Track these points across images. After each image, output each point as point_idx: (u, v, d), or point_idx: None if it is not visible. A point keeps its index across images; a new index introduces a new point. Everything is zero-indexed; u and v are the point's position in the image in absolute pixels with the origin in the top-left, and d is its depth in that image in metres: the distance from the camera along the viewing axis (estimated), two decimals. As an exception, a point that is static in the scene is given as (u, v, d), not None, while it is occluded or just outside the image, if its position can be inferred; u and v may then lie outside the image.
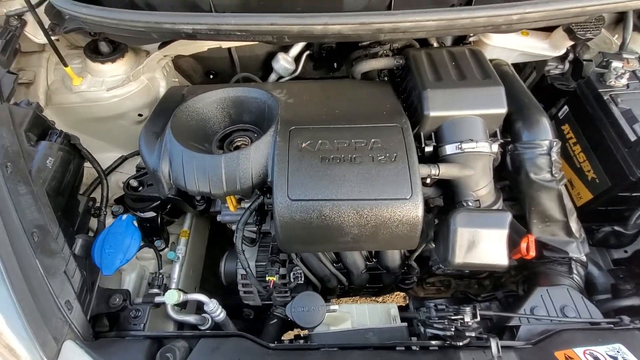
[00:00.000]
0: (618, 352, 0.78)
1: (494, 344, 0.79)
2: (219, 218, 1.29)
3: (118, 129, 1.40)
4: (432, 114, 0.98)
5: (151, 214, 1.33)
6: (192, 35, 0.94)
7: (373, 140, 0.92)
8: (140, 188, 1.28)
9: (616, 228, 1.12)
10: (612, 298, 1.04)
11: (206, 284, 1.62)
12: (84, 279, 0.88)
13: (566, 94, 1.33)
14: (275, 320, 1.25)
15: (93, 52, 1.27)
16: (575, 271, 1.02)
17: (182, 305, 1.31)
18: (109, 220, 1.15)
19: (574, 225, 1.03)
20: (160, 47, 1.30)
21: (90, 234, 1.18)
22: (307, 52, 1.44)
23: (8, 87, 0.95)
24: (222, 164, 0.90)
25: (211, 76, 1.59)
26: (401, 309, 1.13)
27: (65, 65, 1.19)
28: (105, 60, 1.26)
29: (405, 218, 0.85)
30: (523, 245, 0.96)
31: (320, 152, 0.90)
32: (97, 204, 1.21)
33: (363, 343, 0.84)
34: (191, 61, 1.51)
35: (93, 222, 1.22)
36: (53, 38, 1.12)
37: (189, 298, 1.02)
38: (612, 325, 0.86)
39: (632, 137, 1.00)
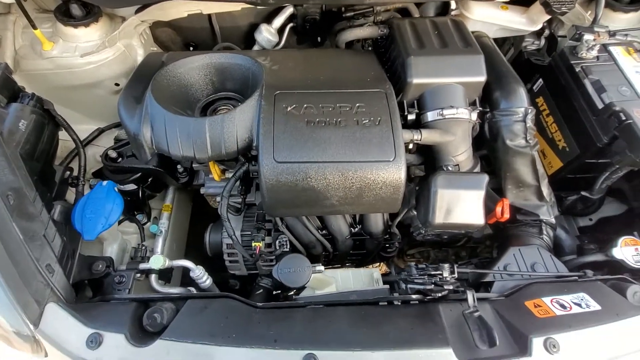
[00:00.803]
0: (582, 299, 0.84)
1: (470, 295, 0.83)
2: (202, 190, 1.28)
3: (93, 99, 1.35)
4: (415, 80, 1.00)
5: (132, 186, 1.30)
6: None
7: (357, 104, 0.93)
8: (120, 159, 1.25)
9: (583, 193, 1.19)
10: (577, 256, 1.12)
11: (190, 259, 1.61)
12: (65, 244, 0.86)
13: (542, 69, 1.38)
14: (261, 290, 1.27)
15: (64, 15, 1.20)
16: (544, 232, 1.09)
17: (166, 278, 1.31)
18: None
19: (545, 189, 1.10)
20: (136, 12, 1.25)
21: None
22: (291, 25, 1.42)
23: (-28, 47, 0.89)
24: (206, 127, 0.89)
25: (191, 48, 1.55)
26: (384, 275, 1.17)
27: (35, 27, 1.12)
28: (78, 24, 1.20)
29: (388, 180, 0.87)
30: (498, 209, 1.02)
31: (305, 116, 0.91)
32: (74, 175, 1.17)
33: (347, 300, 0.87)
34: (170, 31, 1.46)
35: (70, 196, 1.19)
36: (20, -3, 1.05)
37: (175, 264, 1.02)
38: (577, 278, 0.93)
39: (600, 105, 1.06)
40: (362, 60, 1.14)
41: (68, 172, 1.13)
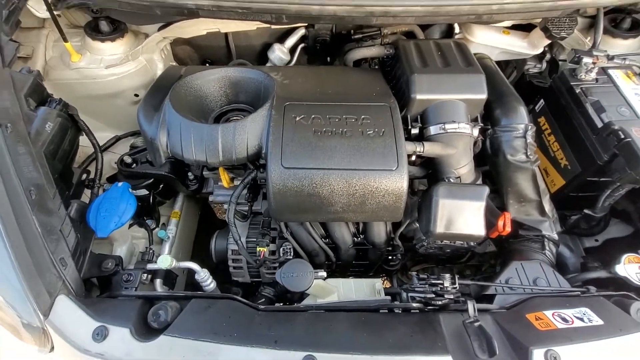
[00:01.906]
0: (584, 314, 0.84)
1: (470, 305, 0.84)
2: (211, 198, 1.33)
3: (114, 108, 1.43)
4: (419, 96, 1.05)
5: (143, 191, 1.35)
6: (194, 12, 0.99)
7: (363, 116, 0.98)
8: (134, 165, 1.31)
9: (586, 212, 1.20)
10: (580, 273, 1.11)
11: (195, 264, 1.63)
12: (78, 241, 0.89)
13: (543, 90, 1.43)
14: (263, 299, 1.28)
15: (93, 30, 1.30)
16: (547, 248, 1.09)
17: (170, 284, 1.33)
18: (102, 195, 1.17)
19: (547, 205, 1.11)
20: (159, 30, 1.34)
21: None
22: (302, 45, 1.50)
23: (9, 54, 0.97)
24: (219, 133, 0.94)
25: (207, 64, 1.64)
26: (386, 288, 1.18)
27: (65, 40, 1.22)
28: (105, 39, 1.29)
29: (391, 188, 0.90)
30: (500, 222, 1.03)
31: (313, 126, 0.95)
32: (90, 177, 1.23)
33: (348, 306, 0.88)
34: (188, 49, 1.56)
35: (85, 198, 1.24)
36: (55, 13, 1.15)
37: (182, 265, 1.04)
38: (580, 293, 0.92)
39: (600, 124, 1.08)
40: (369, 77, 1.20)
41: (85, 175, 1.18)
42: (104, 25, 1.30)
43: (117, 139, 1.47)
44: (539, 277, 1.00)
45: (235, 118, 1.15)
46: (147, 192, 1.36)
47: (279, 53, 1.45)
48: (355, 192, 0.91)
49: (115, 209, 0.97)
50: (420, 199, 1.10)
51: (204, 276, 1.04)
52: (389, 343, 0.77)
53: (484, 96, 1.07)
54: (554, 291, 0.95)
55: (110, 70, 1.29)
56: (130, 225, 1.37)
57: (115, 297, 0.87)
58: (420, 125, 1.08)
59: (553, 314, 0.85)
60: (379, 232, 1.12)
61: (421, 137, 1.09)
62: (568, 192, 1.25)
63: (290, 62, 1.49)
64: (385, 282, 2.13)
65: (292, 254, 1.16)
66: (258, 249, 1.08)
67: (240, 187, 1.07)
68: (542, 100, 1.36)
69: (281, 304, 1.23)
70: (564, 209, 1.30)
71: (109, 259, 0.96)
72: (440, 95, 1.06)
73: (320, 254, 1.16)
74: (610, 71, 1.22)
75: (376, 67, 1.33)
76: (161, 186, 1.40)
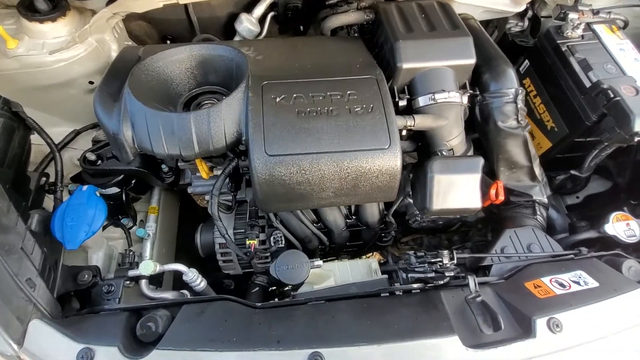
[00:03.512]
0: (580, 277, 0.85)
1: (471, 280, 0.83)
2: (190, 190, 1.24)
3: (67, 99, 1.27)
4: (405, 65, 0.98)
5: (114, 189, 1.24)
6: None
7: (349, 92, 0.90)
8: (99, 162, 1.18)
9: (572, 172, 1.21)
10: (570, 234, 1.13)
11: (181, 261, 1.55)
12: (45, 256, 0.80)
13: (526, 50, 1.38)
14: (257, 288, 1.24)
15: (28, 9, 1.11)
16: (538, 212, 1.10)
17: (157, 282, 1.26)
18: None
19: (537, 170, 1.10)
20: (107, 4, 1.17)
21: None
22: (272, 13, 1.37)
23: None
24: (191, 122, 0.84)
25: (168, 41, 1.47)
26: (381, 265, 1.16)
27: (-5, 23, 1.04)
28: (44, 19, 1.11)
29: (384, 168, 0.85)
30: (492, 191, 1.01)
31: (295, 106, 0.87)
32: (51, 181, 1.10)
33: (348, 294, 0.85)
34: (144, 25, 1.38)
35: (48, 204, 1.12)
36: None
37: (166, 268, 0.97)
38: (573, 256, 0.93)
39: (587, 84, 1.06)
40: (350, 47, 1.10)
41: (44, 179, 1.06)
42: (40, 3, 1.11)
43: (76, 133, 1.33)
44: (533, 243, 1.01)
45: (207, 102, 1.04)
46: (119, 190, 1.25)
47: (247, 24, 1.32)
48: (347, 175, 0.85)
49: (83, 216, 0.87)
50: (413, 174, 1.06)
51: (192, 277, 0.98)
52: (394, 329, 0.75)
53: (472, 61, 1.01)
54: (549, 256, 0.95)
55: (55, 56, 1.12)
56: (105, 227, 1.27)
57: (97, 313, 0.80)
58: (408, 96, 1.02)
59: (551, 280, 0.86)
60: (372, 212, 1.09)
61: (409, 109, 1.04)
62: (555, 154, 1.25)
63: (260, 33, 1.36)
64: (376, 255, 2.14)
65: (283, 242, 1.11)
66: (248, 242, 1.02)
67: (222, 178, 0.99)
68: (526, 61, 1.31)
69: (276, 290, 1.20)
70: (550, 171, 1.30)
71: (85, 271, 0.88)
72: (427, 62, 0.99)
73: (313, 240, 1.12)
74: (595, 26, 1.19)
75: (356, 34, 1.23)
76: (133, 182, 1.29)
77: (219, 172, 1.05)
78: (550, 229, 1.21)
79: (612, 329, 0.75)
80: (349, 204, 0.95)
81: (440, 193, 0.90)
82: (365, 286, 1.04)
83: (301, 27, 1.49)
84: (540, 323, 0.74)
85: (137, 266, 1.17)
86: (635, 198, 1.19)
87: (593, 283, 0.83)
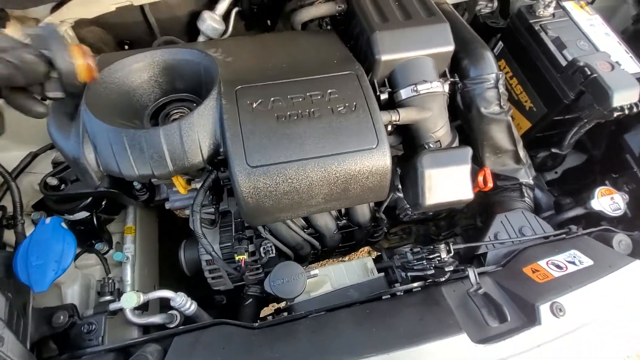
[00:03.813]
0: (574, 257, 0.86)
1: (471, 273, 0.82)
2: (168, 205, 1.16)
3: (16, 119, 1.14)
4: (384, 57, 0.94)
5: (83, 214, 1.14)
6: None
7: (329, 91, 0.85)
8: (63, 186, 1.08)
9: (553, 150, 1.22)
10: (556, 213, 1.15)
11: (166, 280, 1.48)
12: (11, 301, 0.71)
13: (498, 31, 1.38)
14: (251, 300, 1.19)
15: (-43, 22, 0.98)
16: (525, 194, 1.11)
17: (143, 306, 1.18)
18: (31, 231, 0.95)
19: (521, 152, 1.10)
20: (52, 12, 1.05)
21: (10, 250, 0.98)
22: (236, 9, 1.28)
23: None
24: (161, 137, 0.76)
25: (126, 47, 1.36)
26: (376, 260, 1.14)
27: None
28: (-23, 32, 0.98)
29: (374, 168, 0.82)
30: (480, 178, 1.00)
31: (274, 111, 0.81)
32: (10, 213, 0.99)
33: (349, 301, 0.82)
34: (98, 31, 1.26)
35: (9, 237, 1.01)
36: None
37: (151, 297, 0.90)
38: (565, 236, 0.94)
39: (563, 62, 1.06)
40: (324, 41, 1.05)
41: (0, 212, 0.95)
42: (-30, 14, 0.98)
43: (33, 156, 1.20)
44: (524, 226, 1.01)
45: (177, 112, 0.96)
46: (88, 214, 1.15)
47: (210, 22, 1.23)
48: (336, 179, 0.81)
49: (49, 252, 0.78)
50: (401, 169, 1.03)
51: (181, 301, 0.91)
52: (401, 333, 0.73)
53: (451, 48, 0.98)
54: (541, 238, 0.96)
55: (-4, 73, 0.99)
56: (78, 256, 1.17)
57: (79, 358, 0.72)
58: (389, 89, 0.98)
59: (547, 263, 0.86)
60: (363, 212, 1.05)
61: (392, 103, 1.00)
62: (534, 134, 1.26)
63: (226, 32, 1.27)
64: (367, 250, 2.13)
65: (274, 251, 1.06)
66: (237, 257, 0.96)
67: (202, 193, 0.93)
68: (500, 42, 1.31)
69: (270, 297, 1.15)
70: (531, 150, 1.32)
71: (60, 311, 0.80)
72: (406, 53, 0.96)
73: (305, 247, 1.08)
74: (564, 3, 1.19)
75: (329, 27, 1.17)
76: (104, 203, 1.19)
77: (198, 185, 0.98)
78: (536, 208, 1.23)
79: (611, 306, 0.76)
80: (340, 207, 0.91)
81: (432, 188, 0.88)
82: (363, 287, 1.01)
83: (268, 22, 1.42)
84: (544, 309, 0.74)
85: (118, 295, 1.09)
86: (611, 170, 1.23)
87: (588, 261, 0.84)
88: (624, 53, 1.10)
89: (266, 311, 1.31)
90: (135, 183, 1.13)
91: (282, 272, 0.85)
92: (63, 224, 0.86)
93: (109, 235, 1.27)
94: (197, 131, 0.79)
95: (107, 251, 1.24)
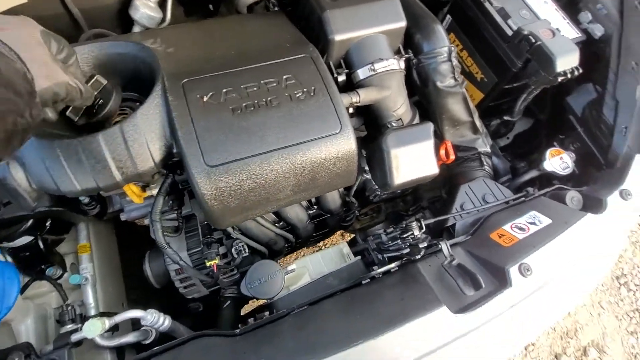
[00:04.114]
0: (534, 218, 0.91)
1: (444, 246, 0.84)
2: (123, 217, 1.06)
3: None
4: (337, 37, 0.90)
5: (26, 239, 1.02)
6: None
7: (285, 77, 0.81)
8: (-6, 211, 0.95)
9: (505, 118, 1.28)
10: (513, 177, 1.21)
11: (133, 293, 1.39)
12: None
13: (446, 5, 1.39)
14: (229, 302, 1.15)
15: None
16: (485, 163, 1.15)
17: (113, 328, 1.10)
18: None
19: (478, 122, 1.14)
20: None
21: None
22: (173, -6, 1.17)
23: None
24: (102, 145, 0.68)
25: (48, 44, 1.20)
26: (351, 244, 1.14)
27: None
28: None
29: (340, 153, 0.79)
30: (442, 152, 1.02)
31: (228, 103, 0.76)
32: None
33: (330, 291, 0.81)
34: (9, 27, 1.09)
35: None
36: None
37: (118, 320, 0.83)
38: (524, 199, 0.99)
39: (509, 32, 1.09)
40: (273, 24, 0.99)
41: None
42: None
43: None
44: (486, 193, 1.06)
45: (118, 114, 0.87)
46: (32, 238, 1.03)
47: (145, 10, 1.11)
48: (302, 169, 0.78)
49: (-14, 290, 0.68)
50: (366, 150, 1.02)
51: (153, 319, 0.85)
52: (385, 317, 0.73)
53: (403, 24, 0.97)
54: (503, 203, 1.00)
55: None
56: (25, 287, 1.05)
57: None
58: (346, 70, 0.95)
59: (511, 227, 0.91)
60: (334, 198, 1.04)
61: (350, 84, 0.98)
62: (487, 103, 1.31)
63: (164, 20, 1.16)
64: (341, 233, 2.14)
65: (246, 250, 1.02)
66: (208, 263, 0.91)
67: (160, 201, 0.85)
68: (448, 16, 1.32)
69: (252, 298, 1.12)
70: (484, 119, 1.37)
71: (14, 353, 0.70)
72: (360, 31, 0.93)
73: (278, 241, 1.04)
74: (504, -27, 1.21)
75: (276, 8, 1.11)
76: (48, 224, 1.07)
77: (154, 192, 0.90)
78: (495, 174, 1.29)
79: (571, 260, 0.82)
80: (309, 198, 0.88)
81: (399, 167, 0.87)
82: (341, 273, 1.01)
83: (210, 7, 1.31)
84: (513, 271, 0.78)
85: (81, 320, 1.00)
86: (557, 131, 1.31)
87: (546, 220, 0.89)
88: (561, 19, 1.16)
89: (247, 308, 1.27)
90: (81, 197, 1.02)
91: (258, 273, 0.82)
92: (1, 256, 0.75)
93: (60, 257, 1.15)
94: (143, 133, 0.71)
95: (61, 275, 1.13)
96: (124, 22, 1.16)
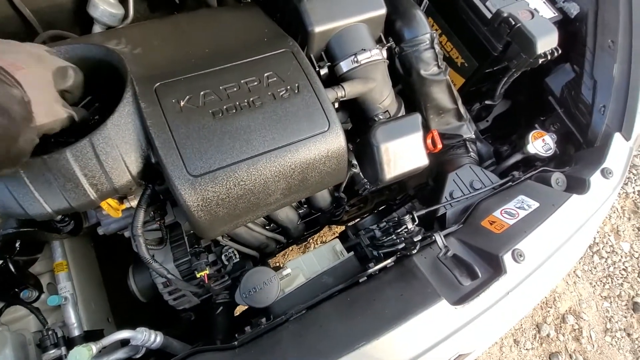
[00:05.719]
0: (522, 202, 0.92)
1: (438, 237, 0.83)
2: (101, 231, 1.00)
3: None
4: (317, 29, 0.86)
5: (-7, 263, 0.94)
6: None
7: (266, 74, 0.76)
8: (-46, 237, 0.86)
9: (487, 102, 1.28)
10: (497, 161, 1.23)
11: (119, 308, 1.33)
12: None
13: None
14: (221, 307, 1.12)
15: None
16: (470, 149, 1.15)
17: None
18: None
19: (462, 109, 1.13)
20: None
21: None
22: (134, -13, 1.08)
23: None
24: (70, 161, 0.62)
25: (-3, 48, 1.08)
26: (342, 239, 1.13)
27: None
28: None
29: (330, 152, 0.77)
30: (428, 141, 1.01)
31: (208, 107, 0.71)
32: None
33: (328, 292, 0.79)
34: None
35: None
36: None
37: (106, 343, 0.78)
38: (511, 183, 1.00)
39: (488, 15, 1.08)
40: (248, 17, 0.93)
41: None
42: None
43: None
44: (474, 180, 1.06)
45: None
46: (1, 262, 0.95)
47: (104, 7, 1.02)
48: (292, 172, 0.74)
49: (-47, 330, 0.62)
50: (354, 145, 0.99)
51: (143, 338, 0.81)
52: (386, 315, 0.72)
53: (384, 11, 0.94)
54: (491, 189, 1.01)
55: None
56: (0, 312, 0.97)
57: None
58: (328, 63, 0.92)
59: (501, 213, 0.91)
60: (324, 196, 1.02)
61: (333, 77, 0.94)
62: (468, 88, 1.30)
63: (126, 17, 1.07)
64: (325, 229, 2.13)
65: (237, 256, 0.98)
66: (198, 274, 0.87)
67: (141, 214, 0.80)
68: (425, 0, 1.29)
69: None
70: (466, 104, 1.37)
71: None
72: (339, 21, 0.89)
73: (270, 244, 1.02)
74: (479, -46, 1.19)
75: (249, 0, 1.04)
76: (18, 245, 0.99)
77: (133, 203, 0.85)
78: (479, 159, 1.30)
79: (560, 241, 0.83)
80: (300, 199, 0.85)
81: (390, 161, 0.86)
82: (336, 270, 0.99)
83: (177, 0, 1.22)
84: (507, 258, 0.79)
85: (65, 343, 0.95)
86: (537, 113, 1.33)
87: (534, 204, 0.90)
88: (537, -1, 1.16)
89: (241, 308, 1.24)
90: (53, 214, 0.95)
91: (252, 281, 0.79)
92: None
93: (34, 279, 1.07)
94: (116, 145, 0.66)
95: (37, 297, 1.05)
96: (82, 21, 1.06)
